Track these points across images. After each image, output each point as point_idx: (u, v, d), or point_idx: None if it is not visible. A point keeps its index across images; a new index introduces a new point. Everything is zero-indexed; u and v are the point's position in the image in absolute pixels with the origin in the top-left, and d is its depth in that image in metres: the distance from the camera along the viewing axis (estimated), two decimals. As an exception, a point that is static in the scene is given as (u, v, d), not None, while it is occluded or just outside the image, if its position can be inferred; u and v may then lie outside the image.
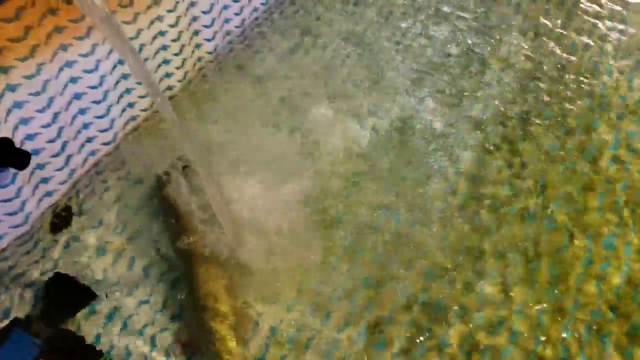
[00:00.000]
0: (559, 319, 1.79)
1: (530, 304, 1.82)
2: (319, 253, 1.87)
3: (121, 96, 2.05)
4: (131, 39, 1.98)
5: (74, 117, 1.91)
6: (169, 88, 2.28)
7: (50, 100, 1.78)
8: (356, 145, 2.18)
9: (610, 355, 1.74)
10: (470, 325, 1.77)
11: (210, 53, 2.41)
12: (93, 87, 1.91)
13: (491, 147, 2.22)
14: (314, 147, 2.16)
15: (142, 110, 2.18)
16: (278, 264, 1.82)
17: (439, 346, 1.73)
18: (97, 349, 1.64)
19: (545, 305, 1.82)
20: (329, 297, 1.81)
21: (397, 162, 2.15)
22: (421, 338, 1.74)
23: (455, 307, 1.81)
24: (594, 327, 1.79)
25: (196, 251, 1.79)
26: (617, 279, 1.89)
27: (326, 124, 2.22)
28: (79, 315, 1.72)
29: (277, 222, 1.89)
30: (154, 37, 2.11)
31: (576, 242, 1.97)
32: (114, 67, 1.96)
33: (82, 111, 1.93)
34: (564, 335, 1.76)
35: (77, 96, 1.89)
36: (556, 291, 1.85)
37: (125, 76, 2.01)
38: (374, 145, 2.19)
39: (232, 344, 1.63)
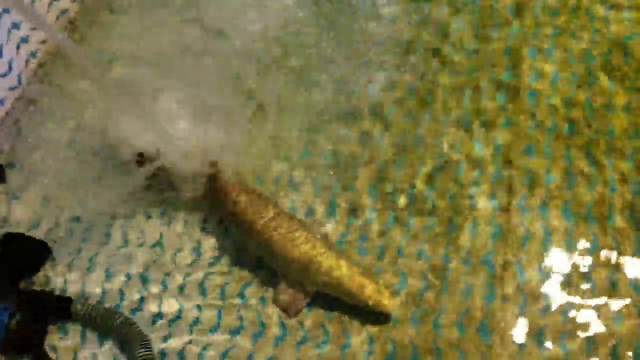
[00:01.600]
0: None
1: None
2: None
3: (9, 32, 1.85)
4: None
5: (-37, 69, 1.73)
6: (63, 12, 2.06)
7: None
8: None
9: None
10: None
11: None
12: (-27, 30, 1.71)
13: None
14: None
15: (40, 42, 1.98)
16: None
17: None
18: (66, 295, 1.63)
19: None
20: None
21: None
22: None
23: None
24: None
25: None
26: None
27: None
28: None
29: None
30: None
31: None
32: (-10, 2, 1.73)
33: (-30, 60, 1.74)
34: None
35: (-42, 44, 1.69)
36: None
37: (7, 10, 1.79)
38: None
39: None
